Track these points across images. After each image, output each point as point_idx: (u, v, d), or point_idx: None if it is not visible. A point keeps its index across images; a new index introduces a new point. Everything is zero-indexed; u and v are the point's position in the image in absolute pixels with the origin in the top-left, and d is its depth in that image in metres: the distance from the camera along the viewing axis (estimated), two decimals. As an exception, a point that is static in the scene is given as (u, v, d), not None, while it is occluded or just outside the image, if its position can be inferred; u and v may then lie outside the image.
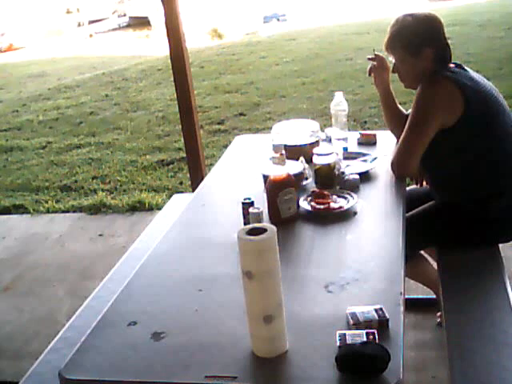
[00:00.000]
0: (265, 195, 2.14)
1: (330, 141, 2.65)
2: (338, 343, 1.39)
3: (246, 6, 15.00)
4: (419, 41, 2.31)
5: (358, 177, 2.30)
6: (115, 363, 1.47)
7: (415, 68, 2.35)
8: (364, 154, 2.54)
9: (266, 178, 2.18)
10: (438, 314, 2.69)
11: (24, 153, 6.34)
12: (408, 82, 2.40)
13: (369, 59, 2.56)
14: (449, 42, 2.38)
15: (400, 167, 2.35)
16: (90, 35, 17.44)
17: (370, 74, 2.56)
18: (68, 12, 20.27)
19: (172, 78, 3.45)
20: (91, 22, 19.54)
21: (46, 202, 4.81)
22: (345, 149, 2.55)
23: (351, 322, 1.46)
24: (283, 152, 2.02)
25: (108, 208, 4.61)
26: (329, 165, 2.26)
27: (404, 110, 2.57)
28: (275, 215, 2.06)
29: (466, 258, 2.33)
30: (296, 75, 8.27)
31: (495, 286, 2.17)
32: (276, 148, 2.02)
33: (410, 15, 2.34)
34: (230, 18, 14.12)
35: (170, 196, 3.65)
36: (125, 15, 19.31)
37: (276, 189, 2.03)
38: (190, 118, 3.50)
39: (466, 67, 2.37)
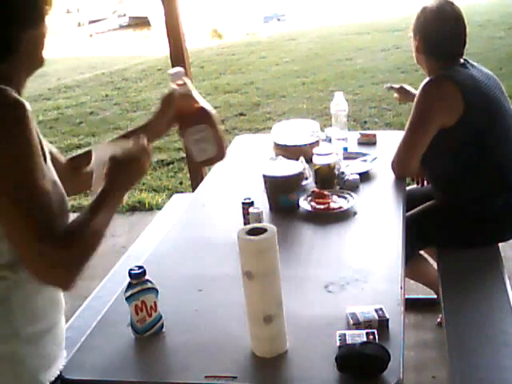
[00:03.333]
0: (265, 195, 2.14)
1: (330, 141, 2.65)
2: (338, 343, 1.39)
3: (246, 6, 14.99)
4: (416, 26, 2.38)
5: (358, 177, 2.30)
6: (115, 363, 1.47)
7: (413, 47, 2.42)
8: (364, 154, 2.54)
9: (266, 178, 2.18)
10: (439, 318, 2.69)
11: (24, 153, 6.33)
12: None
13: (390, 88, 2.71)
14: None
15: (400, 167, 2.35)
16: (90, 35, 17.42)
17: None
18: (68, 12, 20.26)
19: (172, 78, 3.45)
20: (91, 22, 19.53)
21: (46, 202, 4.80)
22: (345, 149, 2.55)
23: (351, 321, 1.46)
24: (185, 79, 1.62)
25: (108, 208, 4.60)
26: (329, 165, 2.26)
27: None
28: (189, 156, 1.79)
29: (466, 258, 2.33)
30: (296, 75, 8.26)
31: (495, 286, 2.17)
32: (174, 76, 1.60)
33: (439, 3, 2.35)
34: (230, 18, 14.11)
35: (170, 196, 3.65)
36: (125, 15, 19.28)
37: (184, 125, 1.62)
38: (190, 118, 3.49)
39: (473, 62, 2.37)
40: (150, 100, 7.93)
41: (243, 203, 2.05)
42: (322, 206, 2.12)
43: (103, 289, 2.40)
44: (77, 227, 1.27)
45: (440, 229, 2.44)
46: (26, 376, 1.34)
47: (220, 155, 1.52)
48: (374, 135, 2.75)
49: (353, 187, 2.25)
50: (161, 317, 1.55)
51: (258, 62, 9.70)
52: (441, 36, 2.33)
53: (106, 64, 11.37)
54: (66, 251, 1.20)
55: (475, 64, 2.39)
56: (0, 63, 1.30)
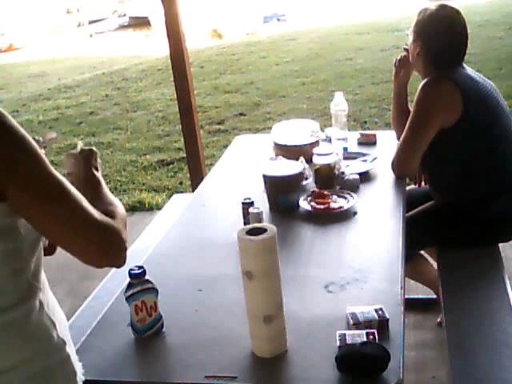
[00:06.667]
0: (265, 195, 2.14)
1: (330, 141, 2.65)
2: (337, 343, 1.39)
3: (246, 6, 14.98)
4: (419, 31, 2.36)
5: (358, 177, 2.30)
6: (115, 363, 1.47)
7: (411, 49, 2.42)
8: (364, 154, 2.54)
9: (266, 178, 2.18)
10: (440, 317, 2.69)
11: (24, 153, 6.32)
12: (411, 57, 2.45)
13: (405, 49, 2.53)
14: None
15: (400, 167, 2.35)
16: (90, 35, 17.42)
17: (395, 64, 2.53)
18: (68, 12, 20.24)
19: (172, 78, 3.45)
20: (91, 22, 19.53)
21: (46, 202, 4.79)
22: (345, 149, 2.55)
23: (351, 322, 1.46)
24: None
25: (108, 208, 4.60)
26: (329, 165, 2.26)
27: None
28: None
29: (466, 258, 2.33)
30: (296, 75, 8.26)
31: (495, 286, 2.17)
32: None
33: (439, 7, 2.33)
34: (230, 18, 14.11)
35: (170, 196, 3.65)
36: (125, 15, 19.28)
37: None
38: (189, 118, 3.50)
39: (465, 66, 2.37)
40: (150, 100, 7.94)
41: (243, 203, 2.05)
42: (322, 206, 2.12)
43: (103, 289, 2.40)
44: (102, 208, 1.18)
45: (440, 229, 2.44)
46: None
47: (50, 250, 1.34)
48: (374, 135, 2.75)
49: (353, 187, 2.25)
50: (161, 317, 1.55)
51: (258, 62, 9.70)
52: (445, 51, 2.32)
53: (105, 64, 11.37)
54: (114, 228, 1.14)
55: (466, 67, 2.39)
56: None
